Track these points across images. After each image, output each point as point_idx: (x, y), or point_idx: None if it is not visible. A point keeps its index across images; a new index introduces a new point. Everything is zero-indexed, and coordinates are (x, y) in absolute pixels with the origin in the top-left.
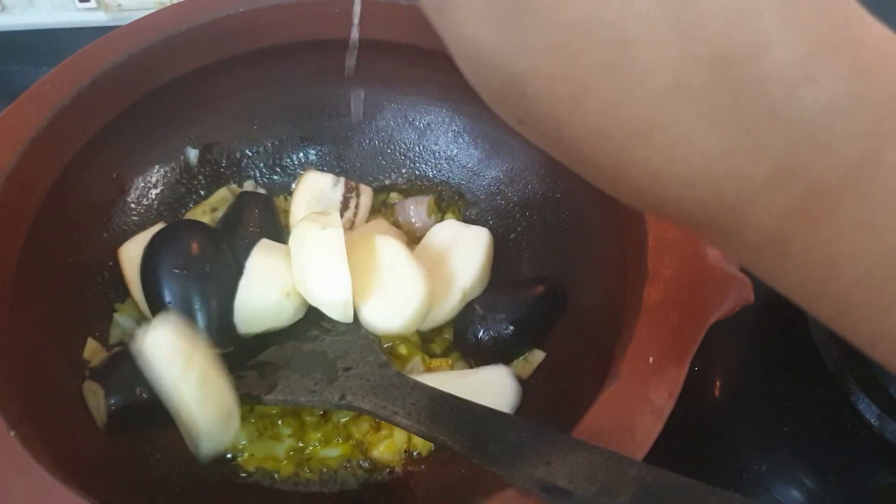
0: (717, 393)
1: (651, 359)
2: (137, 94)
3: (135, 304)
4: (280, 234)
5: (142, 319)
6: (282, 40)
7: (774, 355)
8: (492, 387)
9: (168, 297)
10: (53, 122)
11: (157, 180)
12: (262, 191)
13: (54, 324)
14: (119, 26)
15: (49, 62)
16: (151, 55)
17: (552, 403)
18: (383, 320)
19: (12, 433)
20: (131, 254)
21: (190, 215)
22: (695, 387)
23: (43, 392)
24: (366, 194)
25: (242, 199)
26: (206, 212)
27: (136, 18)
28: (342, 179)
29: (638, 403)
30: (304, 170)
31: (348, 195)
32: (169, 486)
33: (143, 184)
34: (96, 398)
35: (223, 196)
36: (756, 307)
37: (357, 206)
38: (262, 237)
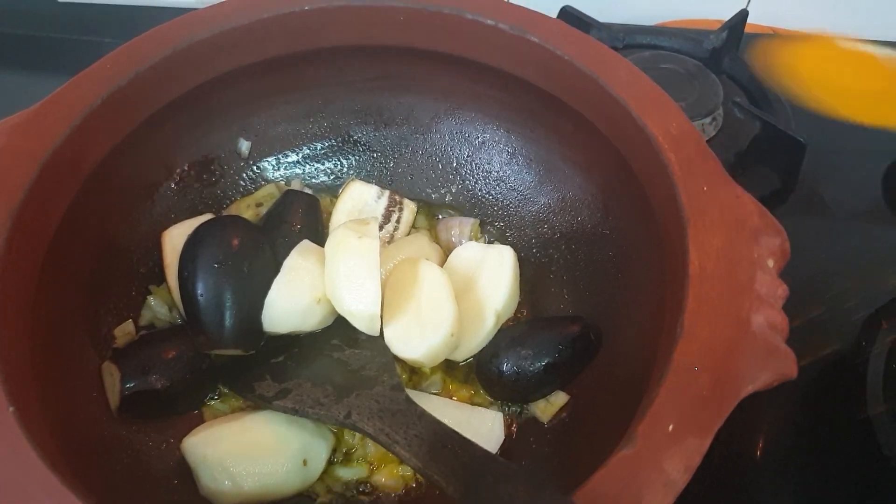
0: (758, 461)
1: (671, 426)
2: (195, 82)
3: (169, 289)
4: (322, 236)
5: (173, 306)
6: (345, 42)
7: (825, 431)
8: (476, 429)
9: (201, 290)
10: (108, 102)
11: (206, 168)
12: (308, 190)
13: (84, 299)
14: (192, 8)
15: (119, 36)
16: (214, 44)
17: (569, 452)
18: (405, 346)
19: (11, 409)
20: (175, 239)
21: (234, 207)
22: (735, 451)
23: (60, 367)
24: (408, 209)
25: (288, 197)
26: (251, 206)
27: (205, 6)
28: (387, 192)
29: (649, 474)
30: (353, 174)
31: (391, 209)
32: (166, 478)
33: (191, 170)
34: (112, 380)
35: (269, 192)
36: (811, 375)
37: (398, 221)
38: (303, 237)
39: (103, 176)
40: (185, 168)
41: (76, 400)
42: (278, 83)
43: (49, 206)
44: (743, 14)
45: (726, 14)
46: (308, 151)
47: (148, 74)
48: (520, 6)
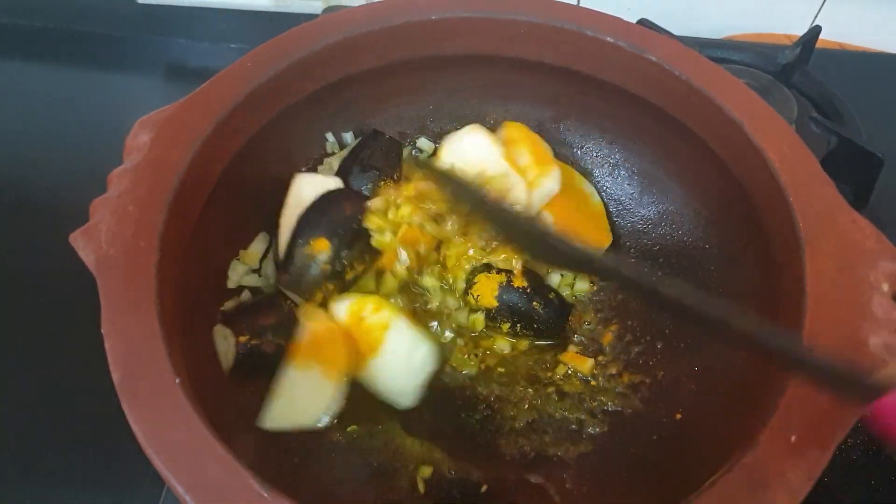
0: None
1: (793, 437)
2: (321, 83)
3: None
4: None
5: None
6: (462, 51)
7: None
8: None
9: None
10: (248, 99)
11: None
12: None
13: (211, 281)
14: (280, 14)
15: (193, 37)
16: (342, 48)
17: (673, 461)
18: None
19: (177, 380)
20: (303, 188)
21: (326, 163)
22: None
23: (189, 335)
24: None
25: (370, 139)
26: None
27: (338, 10)
28: None
29: (772, 479)
30: None
31: None
32: (283, 438)
33: (309, 167)
34: (226, 343)
35: None
36: None
37: None
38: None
39: (238, 169)
40: (304, 165)
41: (199, 364)
42: (393, 88)
43: (195, 196)
44: (816, 30)
45: (792, 29)
46: (416, 155)
47: (284, 75)
48: (635, 24)
